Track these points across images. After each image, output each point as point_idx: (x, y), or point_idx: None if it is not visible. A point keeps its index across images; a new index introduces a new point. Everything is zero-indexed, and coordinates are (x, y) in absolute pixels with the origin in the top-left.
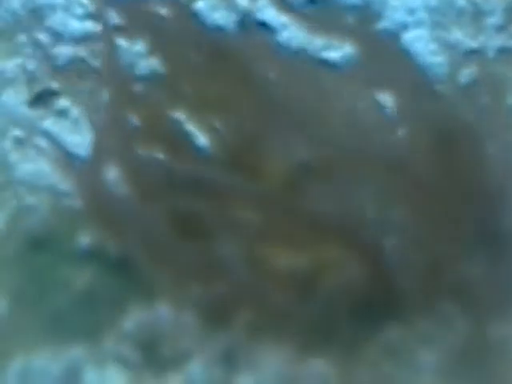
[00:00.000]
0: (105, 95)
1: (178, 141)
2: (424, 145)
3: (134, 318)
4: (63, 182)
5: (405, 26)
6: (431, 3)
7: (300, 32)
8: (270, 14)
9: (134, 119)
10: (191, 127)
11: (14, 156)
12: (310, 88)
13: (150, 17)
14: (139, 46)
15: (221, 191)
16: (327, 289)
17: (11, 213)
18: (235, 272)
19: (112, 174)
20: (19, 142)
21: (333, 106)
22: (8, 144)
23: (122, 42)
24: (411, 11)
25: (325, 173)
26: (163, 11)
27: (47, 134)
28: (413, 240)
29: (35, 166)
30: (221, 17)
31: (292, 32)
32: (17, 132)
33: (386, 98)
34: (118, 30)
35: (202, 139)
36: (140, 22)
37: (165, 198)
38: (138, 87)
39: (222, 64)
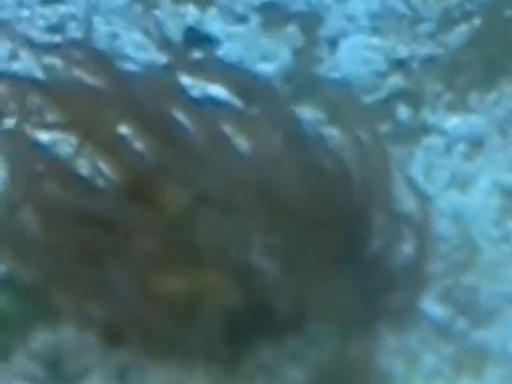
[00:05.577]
0: None
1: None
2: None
3: (40, 339)
4: None
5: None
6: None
7: None
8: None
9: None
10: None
11: None
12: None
13: None
14: None
15: (119, 223)
16: (207, 312)
17: None
18: (125, 297)
19: (24, 211)
20: None
21: None
22: None
23: None
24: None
25: (220, 205)
26: None
27: None
28: (286, 266)
29: None
30: None
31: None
32: None
33: None
34: None
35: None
36: None
37: (68, 231)
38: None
39: None
